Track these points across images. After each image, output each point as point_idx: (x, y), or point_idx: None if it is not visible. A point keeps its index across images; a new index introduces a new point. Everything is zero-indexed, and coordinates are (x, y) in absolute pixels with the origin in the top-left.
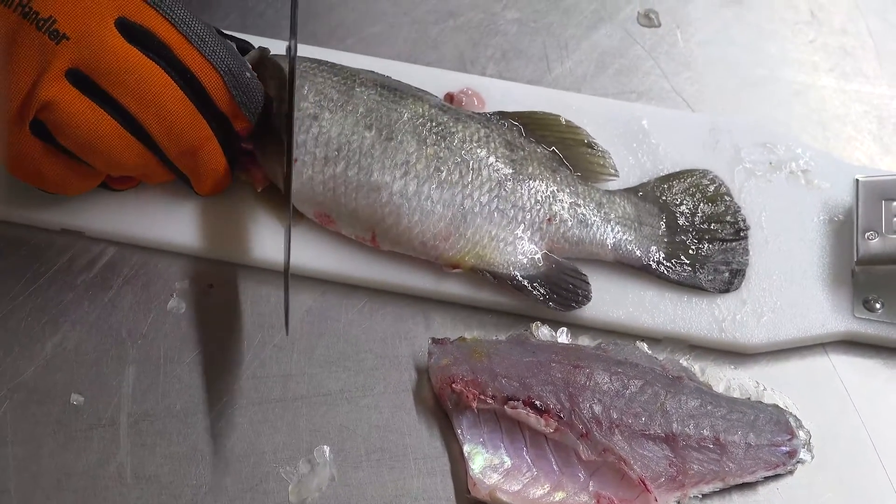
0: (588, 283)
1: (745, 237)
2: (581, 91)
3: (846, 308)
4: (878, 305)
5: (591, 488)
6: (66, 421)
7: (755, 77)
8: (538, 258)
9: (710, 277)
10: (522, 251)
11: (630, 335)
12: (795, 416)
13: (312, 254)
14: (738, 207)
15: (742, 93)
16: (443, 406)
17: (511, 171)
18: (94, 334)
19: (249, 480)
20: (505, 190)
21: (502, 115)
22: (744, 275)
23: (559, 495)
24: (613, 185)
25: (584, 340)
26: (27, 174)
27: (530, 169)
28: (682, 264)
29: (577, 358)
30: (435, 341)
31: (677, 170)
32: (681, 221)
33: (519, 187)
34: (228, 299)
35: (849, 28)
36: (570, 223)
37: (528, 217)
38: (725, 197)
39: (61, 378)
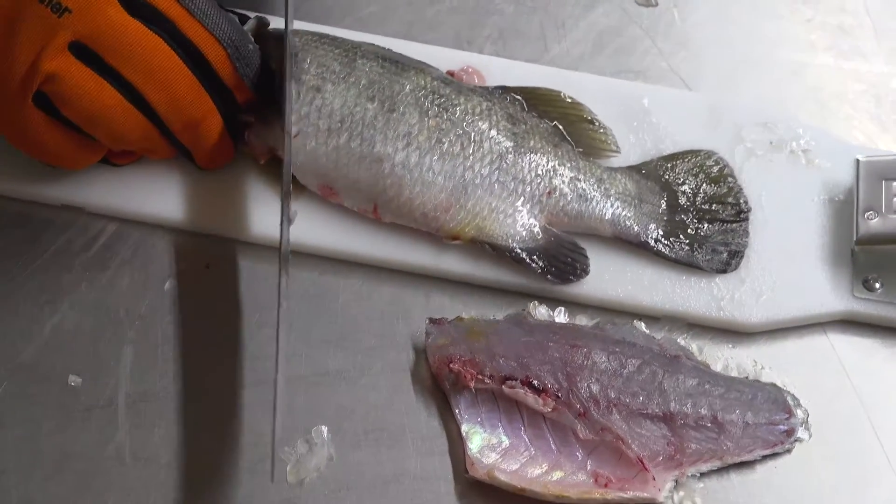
0: (586, 256)
1: (746, 219)
2: (579, 71)
3: (845, 287)
4: (877, 285)
5: (588, 467)
6: (64, 402)
7: (753, 56)
8: (537, 231)
9: (707, 257)
10: (522, 223)
11: (628, 313)
12: (793, 395)
13: (311, 230)
14: (741, 189)
15: (739, 72)
16: (441, 386)
17: (512, 143)
18: (92, 315)
19: (248, 461)
20: (506, 162)
21: (504, 89)
22: (742, 256)
23: (557, 474)
24: (616, 162)
25: (582, 320)
26: (30, 147)
27: (531, 143)
28: (680, 243)
29: (575, 337)
30: (432, 321)
31: (678, 149)
32: (682, 200)
33: (520, 160)
34: (225, 279)
35: (847, 6)
36: (569, 197)
37: (528, 190)
38: (729, 178)
39: (59, 359)
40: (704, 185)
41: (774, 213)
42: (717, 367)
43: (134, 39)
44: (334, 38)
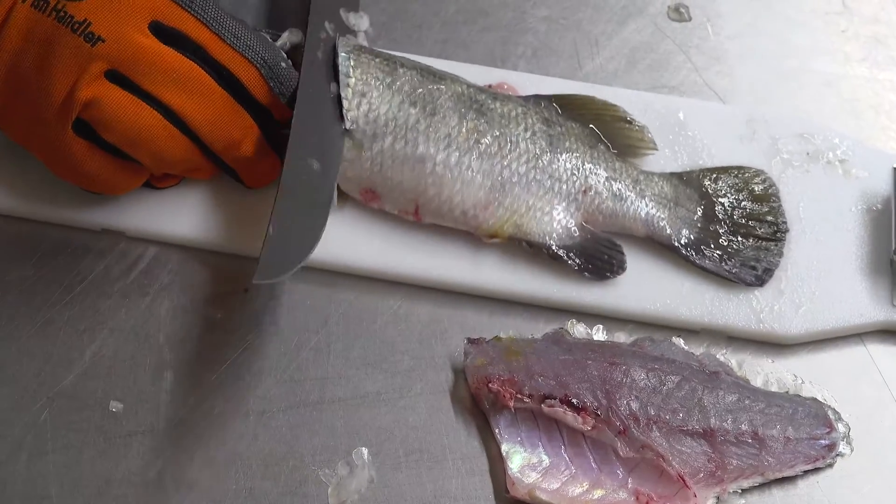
0: (623, 253)
1: (783, 240)
2: (613, 86)
3: (884, 298)
4: None
5: (629, 485)
6: (105, 428)
7: (787, 69)
8: (573, 228)
9: (735, 270)
10: (558, 221)
11: (667, 327)
12: (834, 409)
13: (349, 247)
14: (783, 210)
15: (774, 85)
16: (480, 406)
17: (548, 144)
18: (132, 341)
19: (289, 484)
20: (542, 161)
21: (538, 97)
22: (771, 274)
23: (598, 493)
24: (656, 168)
25: (620, 337)
26: (73, 175)
27: (567, 143)
28: (710, 251)
29: (614, 355)
30: (470, 341)
31: (714, 162)
32: (719, 211)
33: (556, 159)
34: (264, 303)
35: (881, 17)
36: (604, 195)
37: (565, 188)
38: (773, 199)
39: (100, 385)
40: (746, 201)
41: (812, 224)
42: (757, 382)
43: (168, 64)
44: (373, 49)
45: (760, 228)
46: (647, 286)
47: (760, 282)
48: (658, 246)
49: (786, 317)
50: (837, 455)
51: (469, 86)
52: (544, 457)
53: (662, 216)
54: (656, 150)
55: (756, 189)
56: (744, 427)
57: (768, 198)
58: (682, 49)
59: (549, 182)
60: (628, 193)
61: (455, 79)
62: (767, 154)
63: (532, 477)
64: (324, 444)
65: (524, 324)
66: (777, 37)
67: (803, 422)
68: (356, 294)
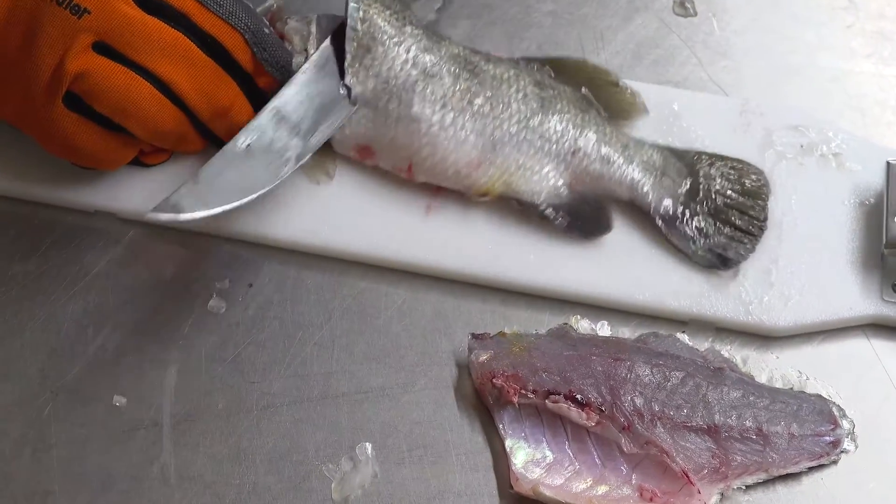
0: (609, 212)
1: (757, 236)
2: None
3: (874, 292)
4: None
5: (633, 481)
6: (109, 422)
7: (793, 64)
8: (562, 188)
9: (701, 252)
10: (547, 180)
11: (655, 317)
12: (839, 406)
13: (356, 236)
14: (767, 210)
15: (780, 80)
16: (484, 401)
17: (539, 105)
18: (136, 336)
19: (292, 479)
20: (533, 122)
21: (530, 60)
22: (737, 266)
23: (602, 489)
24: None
25: (625, 333)
26: (65, 149)
27: (558, 105)
28: (683, 226)
29: (618, 351)
30: (475, 336)
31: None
32: (704, 191)
33: (546, 120)
34: (268, 298)
35: (887, 12)
36: (593, 157)
37: (554, 149)
38: (762, 197)
39: (104, 380)
40: (734, 191)
41: (804, 217)
42: (762, 378)
43: (154, 34)
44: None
45: (739, 219)
46: (634, 276)
47: (724, 266)
48: (645, 232)
49: (775, 309)
50: (842, 452)
51: (465, 47)
52: (548, 452)
53: (647, 182)
54: (647, 113)
55: (747, 183)
56: (748, 423)
57: (758, 195)
58: (688, 44)
59: (539, 142)
60: (616, 158)
61: (453, 42)
62: (761, 146)
63: (536, 473)
64: (327, 439)
65: (528, 319)
66: (782, 32)
67: (808, 418)
68: (360, 289)
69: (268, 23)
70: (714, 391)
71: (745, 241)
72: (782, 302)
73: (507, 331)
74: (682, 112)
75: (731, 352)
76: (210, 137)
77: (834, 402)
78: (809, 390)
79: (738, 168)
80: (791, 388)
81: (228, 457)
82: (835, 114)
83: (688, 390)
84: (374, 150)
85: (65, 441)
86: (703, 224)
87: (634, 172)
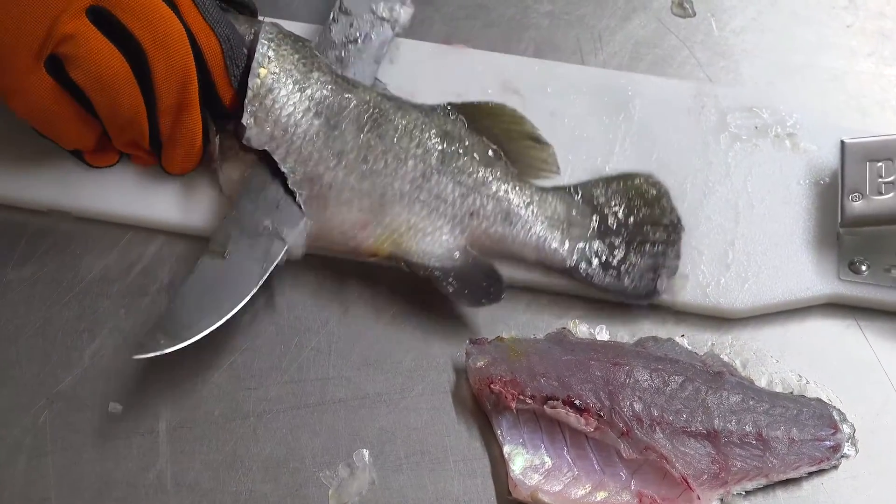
0: (502, 283)
1: (679, 239)
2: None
3: (831, 271)
4: (863, 268)
5: (633, 487)
6: (105, 429)
7: (792, 64)
8: (456, 251)
9: (634, 284)
10: (440, 243)
11: (613, 302)
12: (839, 410)
13: None
14: (675, 209)
15: (779, 80)
16: (482, 407)
17: (439, 162)
18: (131, 342)
19: (289, 486)
20: (429, 181)
21: (447, 106)
22: (671, 279)
23: (601, 495)
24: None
25: (624, 337)
26: (34, 113)
27: (460, 162)
28: (608, 268)
29: (617, 355)
30: (472, 342)
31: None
32: (612, 223)
33: (444, 179)
34: (265, 303)
35: (887, 11)
36: (492, 219)
37: (450, 210)
38: (663, 200)
39: (99, 386)
40: (637, 208)
41: (759, 198)
42: (762, 382)
43: (150, 5)
44: (297, 41)
45: (655, 233)
46: None
47: (659, 293)
48: None
49: (732, 291)
50: (842, 456)
51: (378, 93)
52: (547, 458)
53: (555, 237)
54: (558, 173)
55: (649, 194)
56: (748, 428)
57: (659, 200)
58: (686, 44)
59: (433, 202)
60: (519, 216)
61: (367, 88)
62: (715, 128)
63: (534, 479)
64: (324, 446)
65: (526, 323)
66: (782, 32)
67: (808, 423)
68: (357, 294)
69: (246, 42)
70: (713, 395)
71: (670, 251)
72: (739, 283)
73: (504, 335)
74: (634, 97)
75: (690, 338)
76: (153, 139)
77: (834, 406)
78: (809, 394)
79: (630, 182)
80: (791, 392)
81: (225, 464)
82: (835, 114)
83: (687, 395)
84: None
85: (60, 448)
86: (623, 255)
87: (540, 230)
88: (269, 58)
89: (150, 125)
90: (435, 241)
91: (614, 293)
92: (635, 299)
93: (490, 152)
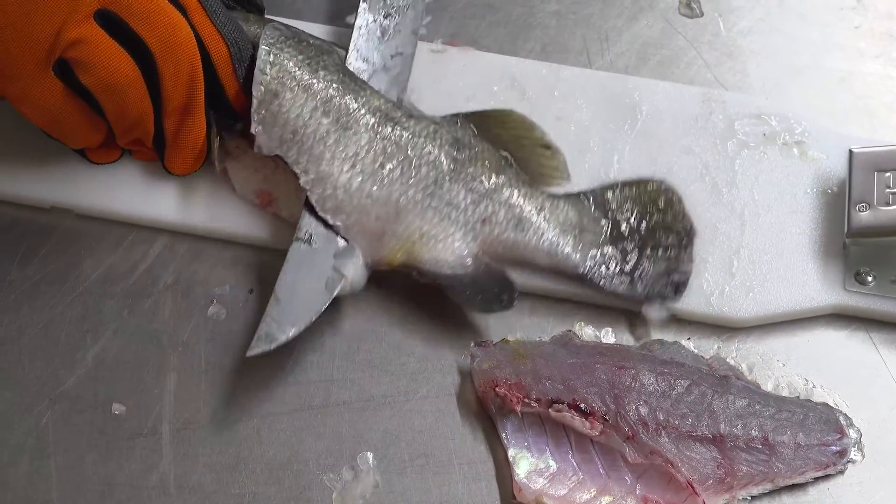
0: (514, 290)
1: (691, 243)
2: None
3: (837, 281)
4: (869, 278)
5: (638, 491)
6: (107, 430)
7: (799, 65)
8: (468, 258)
9: (648, 290)
10: (452, 250)
11: (615, 309)
12: (846, 415)
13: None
14: (686, 213)
15: (786, 81)
16: (486, 410)
17: (451, 169)
18: (135, 343)
19: (293, 489)
20: (441, 188)
21: (455, 115)
22: (686, 285)
23: (606, 499)
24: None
25: (629, 341)
26: (43, 116)
27: (472, 169)
28: (620, 274)
29: (622, 359)
30: (477, 344)
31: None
32: (624, 229)
33: (455, 186)
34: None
35: (895, 13)
36: (504, 225)
37: (462, 217)
38: (676, 205)
39: (102, 387)
40: (650, 213)
41: (766, 207)
42: (768, 386)
43: (159, 8)
44: (300, 42)
45: (668, 238)
46: None
47: (674, 298)
48: None
49: (736, 300)
50: (848, 461)
51: (387, 100)
52: (551, 462)
53: (567, 243)
54: (569, 180)
55: (660, 199)
56: (754, 433)
57: (671, 204)
58: (694, 45)
59: (445, 209)
60: (531, 223)
61: (375, 91)
62: (723, 135)
63: (539, 483)
64: (328, 449)
65: (532, 326)
66: (789, 33)
67: (814, 427)
68: (362, 296)
69: (252, 47)
70: (719, 400)
71: (683, 255)
72: (744, 293)
73: (510, 338)
74: (641, 101)
75: (695, 344)
76: (158, 141)
77: (841, 411)
78: (816, 398)
79: (642, 188)
80: (797, 397)
81: (228, 466)
82: (842, 116)
83: (693, 399)
84: (276, 197)
85: (63, 449)
86: (636, 261)
87: (552, 236)
88: (270, 63)
89: (154, 126)
90: (447, 249)
91: (627, 299)
92: (650, 304)
93: (501, 159)
